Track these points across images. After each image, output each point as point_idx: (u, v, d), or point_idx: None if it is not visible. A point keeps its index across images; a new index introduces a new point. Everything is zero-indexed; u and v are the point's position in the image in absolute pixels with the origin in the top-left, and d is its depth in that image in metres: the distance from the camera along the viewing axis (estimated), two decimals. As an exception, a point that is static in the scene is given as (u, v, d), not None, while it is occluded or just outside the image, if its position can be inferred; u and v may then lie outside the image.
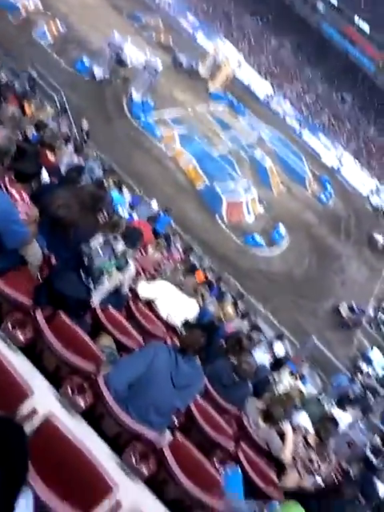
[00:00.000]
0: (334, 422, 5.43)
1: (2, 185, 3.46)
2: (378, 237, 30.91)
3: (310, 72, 51.32)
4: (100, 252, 4.35)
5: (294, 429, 4.95)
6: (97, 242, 4.57)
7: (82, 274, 4.29)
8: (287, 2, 53.49)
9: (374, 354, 18.87)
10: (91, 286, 4.33)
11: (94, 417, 3.07)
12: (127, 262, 4.69)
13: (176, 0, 46.43)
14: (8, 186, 3.48)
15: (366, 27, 48.97)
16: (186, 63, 33.14)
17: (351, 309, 20.65)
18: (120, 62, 24.65)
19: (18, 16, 23.61)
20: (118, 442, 3.07)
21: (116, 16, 34.03)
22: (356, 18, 49.21)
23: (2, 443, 1.40)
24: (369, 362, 18.32)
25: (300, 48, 52.71)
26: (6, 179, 3.46)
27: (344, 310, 20.56)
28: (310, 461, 4.76)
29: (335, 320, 20.42)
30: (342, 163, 41.66)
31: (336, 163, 41.29)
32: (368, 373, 17.38)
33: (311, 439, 4.97)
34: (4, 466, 1.35)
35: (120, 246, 5.02)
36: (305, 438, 4.95)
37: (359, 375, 16.40)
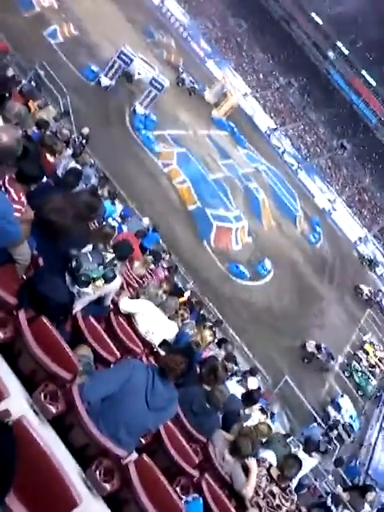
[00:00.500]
0: (299, 461, 5.37)
1: (1, 183, 3.42)
2: (364, 288, 31.36)
3: (314, 114, 52.37)
4: (89, 258, 4.31)
5: (258, 462, 4.89)
6: (87, 248, 4.55)
7: (68, 277, 4.24)
8: (299, 44, 54.88)
9: (344, 401, 18.82)
10: (75, 290, 4.27)
11: (64, 426, 2.99)
12: (114, 273, 4.64)
13: (191, 24, 47.27)
14: (7, 185, 3.44)
15: (372, 81, 50.41)
16: (187, 81, 33.71)
17: (318, 348, 20.66)
18: (127, 74, 24.83)
19: (31, 10, 23.59)
20: (84, 454, 2.99)
21: (130, 29, 34.19)
22: (364, 71, 50.70)
23: None
24: (338, 408, 18.29)
25: (307, 90, 53.94)
26: (6, 178, 3.42)
27: (310, 347, 20.60)
28: (272, 495, 4.69)
29: (309, 360, 20.41)
30: (334, 207, 42.30)
31: (328, 206, 41.90)
32: (336, 419, 17.35)
33: (274, 474, 4.91)
34: None
35: (109, 255, 4.98)
36: (268, 472, 4.90)
37: (333, 430, 16.34)
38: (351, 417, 18.39)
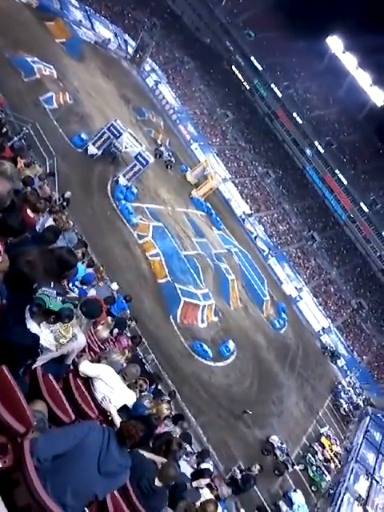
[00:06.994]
0: None
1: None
2: (342, 401, 31.57)
3: (287, 205, 54.52)
4: (51, 284, 4.08)
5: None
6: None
7: (27, 310, 3.99)
8: (280, 140, 58.34)
9: (297, 496, 18.16)
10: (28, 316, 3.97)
11: (9, 482, 2.85)
12: (72, 313, 4.34)
13: (181, 109, 49.77)
14: (-13, 233, 3.50)
15: (344, 180, 53.53)
16: (165, 155, 35.24)
17: (280, 447, 20.17)
18: (113, 155, 25.77)
19: (31, 76, 24.61)
20: (25, 515, 2.84)
21: (122, 105, 36.05)
22: (337, 171, 53.98)
23: None
24: (289, 502, 17.65)
25: (282, 182, 56.52)
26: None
27: (274, 441, 20.13)
28: None
29: (268, 453, 19.87)
30: (300, 296, 43.20)
31: (295, 294, 42.78)
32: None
33: None
34: None
35: (74, 294, 4.83)
36: None
37: None
38: (302, 512, 17.74)
